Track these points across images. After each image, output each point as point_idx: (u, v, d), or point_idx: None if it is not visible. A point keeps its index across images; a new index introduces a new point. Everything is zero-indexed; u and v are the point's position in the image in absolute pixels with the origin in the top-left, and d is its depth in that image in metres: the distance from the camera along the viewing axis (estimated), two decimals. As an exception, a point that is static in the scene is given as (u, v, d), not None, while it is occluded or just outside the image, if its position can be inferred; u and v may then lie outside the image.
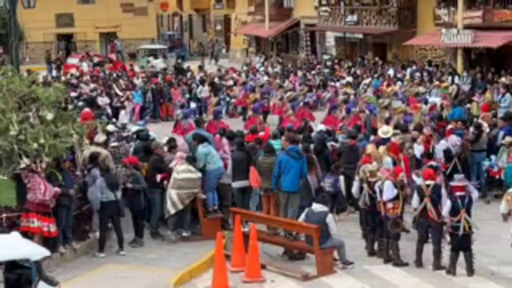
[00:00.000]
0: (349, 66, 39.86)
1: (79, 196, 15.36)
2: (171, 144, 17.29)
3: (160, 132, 22.73)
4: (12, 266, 11.12)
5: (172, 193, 15.85)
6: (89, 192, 15.25)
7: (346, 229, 16.19)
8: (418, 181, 14.86)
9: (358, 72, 37.31)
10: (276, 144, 17.04)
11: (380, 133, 18.60)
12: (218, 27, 65.10)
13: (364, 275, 14.08)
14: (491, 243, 15.22)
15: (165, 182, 16.21)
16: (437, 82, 30.18)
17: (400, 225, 14.46)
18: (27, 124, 14.26)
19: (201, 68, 41.82)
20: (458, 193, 13.78)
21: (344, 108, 25.68)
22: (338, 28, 44.55)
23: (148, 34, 61.83)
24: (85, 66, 44.57)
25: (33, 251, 11.04)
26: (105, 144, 17.25)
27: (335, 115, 25.08)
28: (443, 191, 14.20)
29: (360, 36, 43.28)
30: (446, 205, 13.82)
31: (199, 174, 15.97)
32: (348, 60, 42.39)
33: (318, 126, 21.43)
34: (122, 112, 30.42)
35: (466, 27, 32.41)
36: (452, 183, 14.12)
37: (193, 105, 31.51)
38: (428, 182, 14.23)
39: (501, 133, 19.69)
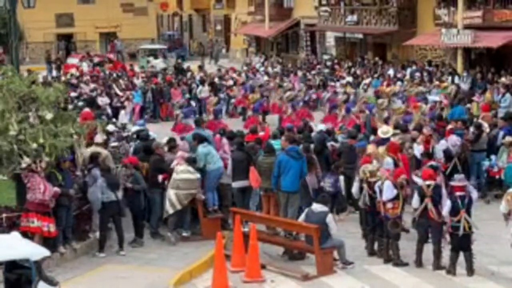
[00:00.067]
0: (349, 66, 39.79)
1: (79, 196, 15.35)
2: (172, 144, 17.28)
3: (160, 132, 22.73)
4: (12, 266, 11.11)
5: (171, 193, 15.85)
6: (89, 192, 15.24)
7: (346, 229, 16.18)
8: (420, 181, 14.85)
9: (358, 72, 37.25)
10: (276, 144, 17.02)
11: (380, 133, 18.57)
12: (218, 27, 65.06)
13: (364, 275, 14.07)
14: (491, 243, 15.21)
15: (166, 182, 16.22)
16: (437, 82, 30.17)
17: (399, 225, 14.46)
18: (26, 124, 14.26)
19: (201, 68, 41.79)
20: (458, 193, 13.78)
21: (344, 108, 25.70)
22: (338, 28, 44.50)
23: (148, 34, 61.84)
24: (85, 66, 44.57)
25: (33, 251, 11.03)
26: (105, 144, 17.27)
27: (335, 114, 25.08)
28: (443, 191, 14.22)
29: (360, 36, 43.23)
30: (446, 205, 13.83)
31: (198, 175, 15.96)
32: (348, 60, 42.31)
33: (318, 126, 21.43)
34: (122, 112, 30.36)
35: (466, 27, 32.36)
36: (452, 183, 14.11)
37: (193, 104, 31.50)
38: (428, 182, 14.24)
39: (501, 133, 19.68)
